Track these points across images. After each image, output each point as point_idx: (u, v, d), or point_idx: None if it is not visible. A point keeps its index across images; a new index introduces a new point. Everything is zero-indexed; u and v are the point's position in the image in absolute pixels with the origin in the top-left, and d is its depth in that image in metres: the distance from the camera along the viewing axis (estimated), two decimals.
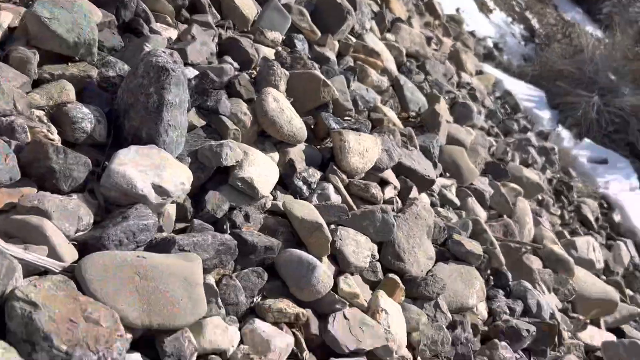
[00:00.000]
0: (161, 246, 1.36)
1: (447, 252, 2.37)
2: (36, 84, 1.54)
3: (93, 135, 1.50)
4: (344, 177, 2.14)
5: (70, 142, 1.46)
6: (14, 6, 1.65)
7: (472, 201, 3.05)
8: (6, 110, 1.35)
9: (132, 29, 1.94)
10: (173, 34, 2.05)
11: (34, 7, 1.58)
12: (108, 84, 1.66)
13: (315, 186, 2.02)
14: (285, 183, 1.98)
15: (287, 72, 2.23)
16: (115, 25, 1.90)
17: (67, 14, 1.63)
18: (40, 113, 1.45)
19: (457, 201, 2.90)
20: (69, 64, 1.63)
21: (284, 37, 2.59)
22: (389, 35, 3.91)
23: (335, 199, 2.02)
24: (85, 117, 1.48)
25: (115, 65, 1.71)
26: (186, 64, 1.94)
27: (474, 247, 2.38)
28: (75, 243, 1.27)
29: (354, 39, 3.27)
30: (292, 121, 2.04)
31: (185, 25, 2.17)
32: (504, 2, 8.38)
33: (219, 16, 2.39)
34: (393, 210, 2.19)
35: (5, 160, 1.26)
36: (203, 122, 1.85)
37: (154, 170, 1.44)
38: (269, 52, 2.39)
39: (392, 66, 3.48)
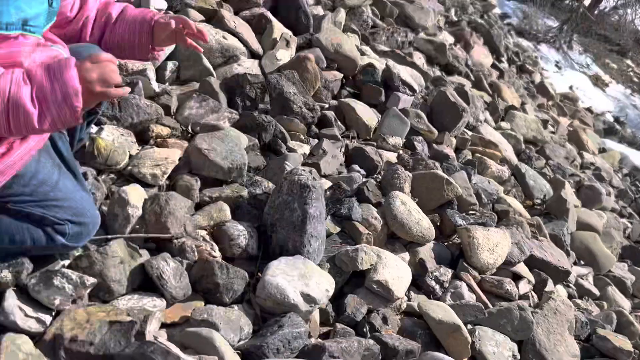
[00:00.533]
0: (313, 354, 1.46)
1: (592, 348, 2.25)
2: (198, 206, 1.78)
3: (247, 249, 1.69)
4: (476, 273, 2.16)
5: (228, 257, 1.66)
6: (178, 140, 1.95)
7: (613, 290, 2.89)
8: (178, 233, 1.57)
9: (272, 149, 2.18)
10: (306, 149, 2.26)
11: (195, 140, 1.86)
12: (256, 202, 1.87)
13: (447, 285, 2.06)
14: (417, 283, 2.04)
15: (410, 174, 2.35)
16: (258, 147, 2.15)
17: (222, 143, 1.89)
18: (204, 232, 1.67)
19: (596, 291, 2.77)
20: (224, 186, 1.87)
21: (404, 140, 2.74)
22: (504, 124, 3.96)
23: (469, 297, 2.04)
24: (241, 234, 1.68)
25: (261, 184, 1.93)
26: (320, 177, 2.12)
27: (622, 342, 2.24)
28: (239, 352, 1.41)
29: (469, 132, 3.36)
30: (420, 222, 2.12)
31: (316, 140, 2.39)
32: (620, 74, 8.12)
33: (343, 128, 2.60)
34: (530, 305, 2.16)
35: (180, 278, 1.46)
36: (338, 229, 1.99)
37: (301, 279, 1.58)
38: (392, 157, 2.54)
39: (511, 155, 3.50)
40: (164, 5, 2.63)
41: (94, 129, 1.71)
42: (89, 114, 1.51)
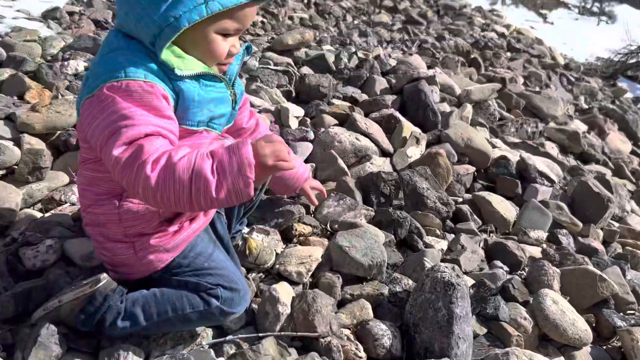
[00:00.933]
0: None
1: None
2: (340, 304, 1.78)
3: (391, 350, 1.64)
4: None
5: (373, 357, 1.61)
6: (319, 238, 2.00)
7: None
8: (324, 332, 1.57)
9: (408, 245, 2.16)
10: (443, 245, 2.21)
11: (336, 238, 1.89)
12: (396, 300, 1.83)
13: None
14: None
15: (558, 270, 2.20)
16: (394, 243, 2.14)
17: (361, 240, 1.91)
18: (347, 332, 1.65)
19: None
20: (364, 283, 1.86)
21: (547, 234, 2.60)
22: None
23: None
24: (385, 334, 1.64)
25: (401, 282, 1.90)
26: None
27: None
28: None
29: (616, 224, 3.12)
30: (576, 323, 1.95)
31: (452, 235, 2.33)
32: None
33: (480, 222, 2.53)
34: None
35: None
36: (484, 330, 1.87)
37: None
38: (536, 251, 2.41)
39: None
40: (301, 112, 2.82)
41: (245, 229, 1.81)
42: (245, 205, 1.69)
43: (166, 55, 1.19)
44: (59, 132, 2.15)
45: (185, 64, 1.23)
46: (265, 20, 4.91)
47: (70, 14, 3.68)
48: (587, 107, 5.15)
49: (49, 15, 3.55)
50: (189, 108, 1.26)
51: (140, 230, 1.33)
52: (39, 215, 1.83)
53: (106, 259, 1.40)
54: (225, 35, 1.25)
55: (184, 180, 1.09)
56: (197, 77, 1.26)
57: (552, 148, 3.66)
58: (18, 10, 3.55)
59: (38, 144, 2.04)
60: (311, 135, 2.62)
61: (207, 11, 1.14)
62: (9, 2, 3.67)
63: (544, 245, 2.50)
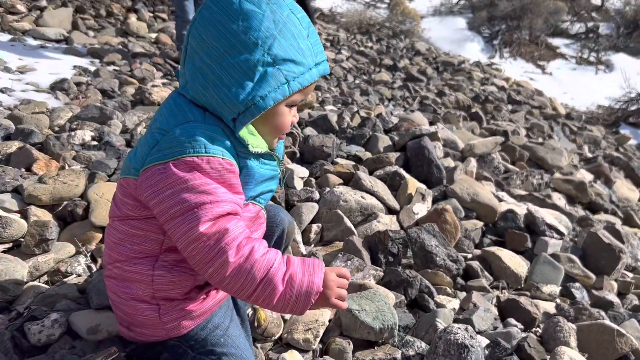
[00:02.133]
0: None
1: None
2: None
3: None
4: None
5: None
6: None
7: None
8: None
9: (419, 305, 2.12)
10: (455, 303, 2.17)
11: (346, 301, 1.85)
12: None
13: None
14: None
15: (574, 326, 2.14)
16: (405, 304, 2.09)
17: (371, 302, 1.87)
18: None
19: None
20: (375, 348, 1.81)
21: (560, 288, 2.54)
22: None
23: None
24: None
25: (413, 345, 1.84)
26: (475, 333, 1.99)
27: None
28: None
29: (630, 275, 3.06)
30: None
31: (463, 293, 2.29)
32: None
33: (491, 278, 2.49)
34: None
35: None
36: None
37: None
38: (549, 307, 2.35)
39: None
40: (306, 173, 2.83)
41: None
42: None
43: (242, 131, 1.23)
44: (65, 202, 2.16)
45: (256, 141, 1.28)
46: None
47: (78, 84, 3.77)
48: (591, 156, 5.15)
49: (57, 87, 3.64)
50: (247, 184, 1.29)
51: (170, 295, 1.31)
52: (45, 287, 1.81)
53: (123, 316, 1.37)
54: (291, 106, 1.30)
55: (257, 278, 1.13)
56: (258, 155, 1.30)
57: (559, 199, 3.64)
58: (27, 83, 3.65)
59: (44, 215, 2.05)
60: (316, 196, 2.62)
61: (290, 90, 1.19)
62: (19, 75, 3.78)
63: (558, 300, 2.44)
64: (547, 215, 2.99)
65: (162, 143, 1.18)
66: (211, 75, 1.17)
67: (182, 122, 1.19)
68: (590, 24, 11.64)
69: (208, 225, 1.12)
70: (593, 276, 2.72)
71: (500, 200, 3.14)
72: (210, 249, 1.12)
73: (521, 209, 3.04)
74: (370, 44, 7.46)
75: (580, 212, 3.70)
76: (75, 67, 4.17)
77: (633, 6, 11.74)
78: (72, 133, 2.74)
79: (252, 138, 1.26)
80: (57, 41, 4.76)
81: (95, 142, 2.76)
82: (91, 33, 5.12)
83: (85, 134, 2.76)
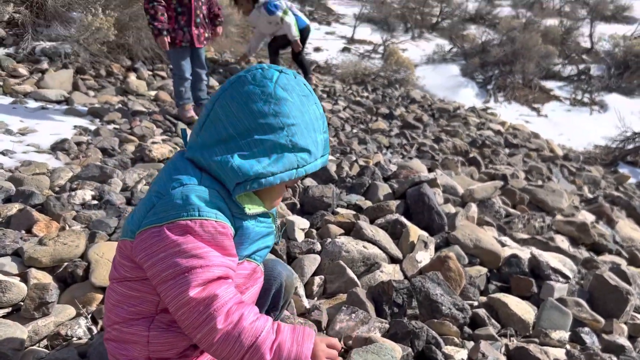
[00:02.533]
0: None
1: None
2: None
3: None
4: None
5: None
6: None
7: None
8: None
9: (427, 357, 2.07)
10: (463, 354, 2.12)
11: (351, 356, 1.82)
12: None
13: None
14: None
15: None
16: (412, 356, 2.05)
17: (377, 357, 1.83)
18: None
19: None
20: None
21: (569, 333, 2.49)
22: None
23: None
24: None
25: None
26: None
27: None
28: None
29: (639, 316, 3.00)
30: None
31: (471, 342, 2.24)
32: None
33: (498, 325, 2.44)
34: None
35: None
36: None
37: None
38: (559, 354, 2.29)
39: None
40: (307, 224, 2.82)
41: None
42: None
43: (240, 196, 1.26)
44: (65, 263, 2.14)
45: (252, 202, 1.31)
46: None
47: (78, 144, 3.81)
48: (592, 196, 5.15)
49: (58, 147, 3.68)
50: (242, 243, 1.31)
51: (165, 355, 1.31)
52: (44, 352, 1.78)
53: None
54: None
55: (244, 346, 1.14)
56: (254, 215, 1.33)
57: (562, 241, 3.62)
58: (28, 145, 3.69)
59: (45, 278, 2.04)
60: (318, 247, 2.60)
61: (297, 175, 1.29)
62: (20, 137, 3.83)
63: (568, 347, 2.39)
64: (551, 258, 2.96)
65: (158, 206, 1.21)
66: (232, 145, 1.23)
67: (178, 185, 1.22)
68: (581, 66, 11.87)
69: (198, 290, 1.13)
70: (602, 320, 2.67)
71: (503, 245, 3.12)
72: (199, 314, 1.13)
73: (525, 253, 3.02)
74: (366, 94, 7.59)
75: (584, 253, 3.67)
76: (75, 127, 4.23)
77: (622, 47, 12.00)
78: (73, 193, 2.75)
79: (248, 199, 1.30)
80: (58, 102, 4.84)
81: (95, 202, 2.77)
82: (91, 93, 5.21)
83: (86, 194, 2.77)
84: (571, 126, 9.21)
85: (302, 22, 6.92)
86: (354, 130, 5.93)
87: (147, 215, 1.22)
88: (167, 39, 4.43)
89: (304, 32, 6.98)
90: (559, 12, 16.64)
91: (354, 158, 4.47)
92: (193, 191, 1.20)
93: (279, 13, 6.54)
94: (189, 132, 1.38)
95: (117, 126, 4.43)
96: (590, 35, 13.83)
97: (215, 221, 1.19)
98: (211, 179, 1.24)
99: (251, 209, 1.29)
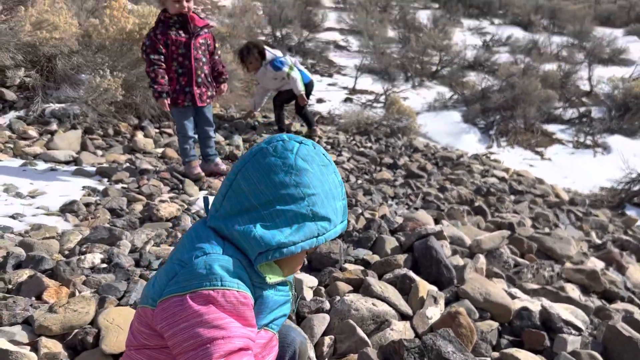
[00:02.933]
0: None
1: None
2: None
3: None
4: None
5: None
6: None
7: None
8: None
9: None
10: None
11: None
12: None
13: None
14: None
15: None
16: None
17: None
18: None
19: None
20: None
21: None
22: None
23: None
24: None
25: None
26: None
27: None
28: None
29: None
30: None
31: None
32: None
33: None
34: None
35: None
36: None
37: None
38: None
39: None
40: (315, 282, 2.83)
41: None
42: None
43: (261, 265, 1.28)
44: (75, 331, 2.15)
45: (273, 271, 1.34)
46: None
47: (87, 205, 3.86)
48: (600, 242, 5.13)
49: (67, 209, 3.73)
50: (261, 312, 1.34)
51: None
52: None
53: None
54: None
55: None
56: (274, 284, 1.35)
57: (572, 290, 3.59)
58: (38, 207, 3.74)
59: (55, 346, 2.03)
60: (327, 305, 2.59)
61: (317, 243, 1.31)
62: (30, 200, 3.88)
63: None
64: (562, 310, 2.93)
65: (181, 275, 1.23)
66: (255, 215, 1.26)
67: (202, 254, 1.24)
68: (582, 109, 11.99)
69: None
70: None
71: (513, 297, 3.10)
72: None
73: (535, 305, 2.99)
74: (369, 144, 7.68)
75: (596, 302, 3.63)
76: (84, 187, 4.28)
77: (621, 89, 12.15)
78: (82, 257, 2.77)
79: (269, 269, 1.32)
80: (67, 162, 4.92)
81: (104, 265, 2.78)
82: (99, 152, 5.30)
83: (95, 257, 2.79)
84: (575, 169, 9.23)
85: (306, 77, 7.09)
86: (359, 181, 5.97)
87: (169, 284, 1.24)
88: (167, 101, 4.53)
89: (309, 87, 7.14)
90: (556, 57, 16.94)
91: (360, 211, 4.50)
92: (216, 261, 1.22)
93: (285, 69, 6.71)
94: (210, 199, 1.42)
95: (125, 185, 4.48)
96: (589, 79, 14.03)
97: (237, 291, 1.21)
98: (234, 249, 1.27)
99: (272, 278, 1.31)
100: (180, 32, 4.55)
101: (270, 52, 6.92)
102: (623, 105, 11.65)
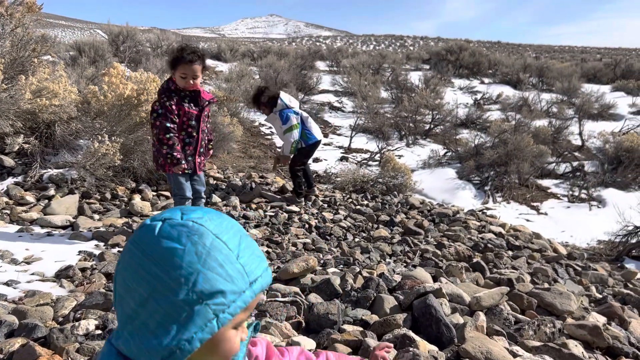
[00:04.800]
0: None
1: None
2: None
3: None
4: None
5: None
6: None
7: None
8: None
9: None
10: None
11: None
12: None
13: None
14: None
15: None
16: None
17: None
18: None
19: None
20: None
21: None
22: None
23: None
24: None
25: None
26: None
27: None
28: None
29: None
30: None
31: None
32: None
33: None
34: None
35: None
36: None
37: None
38: None
39: None
40: (313, 344, 2.78)
41: None
42: None
43: None
44: None
45: None
46: (270, 249, 5.10)
47: (83, 270, 3.84)
48: (600, 296, 5.07)
49: (62, 274, 3.70)
50: None
51: None
52: None
53: None
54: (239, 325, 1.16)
55: None
56: None
57: (575, 346, 3.52)
58: (33, 274, 3.71)
59: None
60: None
61: (219, 325, 1.07)
62: (25, 266, 3.86)
63: None
64: None
65: None
66: (137, 322, 1.06)
67: None
68: (575, 163, 12.14)
69: None
70: None
71: (515, 355, 3.04)
72: None
73: None
74: (365, 202, 7.71)
75: (600, 358, 3.55)
76: (80, 252, 4.27)
77: (612, 143, 12.35)
78: (76, 323, 2.74)
79: None
80: (64, 227, 4.92)
81: (99, 331, 2.74)
82: (96, 216, 5.31)
83: (89, 324, 2.75)
84: (572, 222, 9.25)
85: (313, 137, 7.10)
86: (356, 239, 5.96)
87: None
88: (184, 166, 4.64)
89: (314, 146, 7.19)
90: (547, 113, 17.30)
91: (357, 269, 4.47)
92: None
93: (286, 126, 6.76)
94: None
95: (121, 249, 4.47)
96: (580, 133, 14.30)
97: None
98: None
99: None
100: (192, 104, 4.72)
101: (285, 100, 6.91)
102: (615, 158, 11.82)
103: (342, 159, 11.30)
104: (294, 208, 6.76)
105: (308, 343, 2.78)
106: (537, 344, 3.41)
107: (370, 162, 11.11)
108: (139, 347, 1.05)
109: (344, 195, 8.01)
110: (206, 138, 4.98)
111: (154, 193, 6.35)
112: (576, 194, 10.57)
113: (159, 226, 1.09)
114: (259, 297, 1.16)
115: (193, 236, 1.07)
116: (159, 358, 1.03)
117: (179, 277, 1.03)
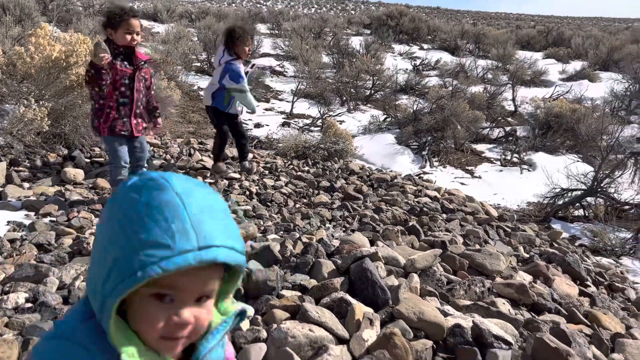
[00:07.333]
0: None
1: None
2: None
3: None
4: None
5: None
6: None
7: None
8: None
9: None
10: None
11: None
12: None
13: None
14: None
15: None
16: None
17: None
18: None
19: None
20: None
21: None
22: (616, 356, 3.63)
23: None
24: None
25: None
26: None
27: None
28: None
29: None
30: None
31: None
32: None
33: None
34: None
35: None
36: None
37: None
38: None
39: None
40: (252, 311, 2.81)
41: None
42: None
43: (118, 339, 1.00)
44: None
45: (130, 343, 1.02)
46: None
47: (12, 241, 3.70)
48: (527, 256, 5.36)
49: None
50: None
51: None
52: None
53: None
54: (162, 297, 1.03)
55: None
56: None
57: (503, 304, 3.72)
58: None
59: None
60: (264, 334, 2.59)
61: (144, 276, 0.95)
62: None
63: None
64: (492, 325, 3.04)
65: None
66: (94, 267, 1.03)
67: (51, 336, 1.03)
68: (508, 128, 12.58)
69: None
70: None
71: (446, 314, 3.19)
72: None
73: (467, 321, 3.09)
74: (307, 168, 7.74)
75: (525, 314, 3.78)
76: (9, 222, 4.10)
77: (543, 109, 12.85)
78: (5, 297, 2.65)
79: (125, 339, 1.02)
80: None
81: (29, 304, 2.67)
82: (26, 185, 5.09)
83: (19, 297, 2.67)
84: (504, 185, 9.63)
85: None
86: (297, 205, 6.01)
87: None
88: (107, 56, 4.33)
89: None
90: (482, 79, 17.74)
91: (297, 235, 4.51)
92: (55, 348, 1.00)
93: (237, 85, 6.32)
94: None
95: (53, 219, 4.32)
96: (513, 99, 14.79)
97: None
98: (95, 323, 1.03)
99: (126, 352, 0.99)
100: (126, 63, 4.55)
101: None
102: (545, 124, 12.32)
103: (284, 124, 11.24)
104: (234, 175, 6.71)
105: (247, 309, 2.81)
106: (468, 302, 3.58)
107: (312, 128, 11.11)
108: (89, 293, 1.02)
109: (285, 161, 8.01)
110: (143, 99, 4.80)
111: (88, 160, 6.13)
112: (508, 158, 10.98)
113: (132, 180, 1.05)
114: (215, 273, 1.07)
115: (154, 190, 1.01)
116: (97, 306, 0.98)
117: (125, 224, 0.98)
